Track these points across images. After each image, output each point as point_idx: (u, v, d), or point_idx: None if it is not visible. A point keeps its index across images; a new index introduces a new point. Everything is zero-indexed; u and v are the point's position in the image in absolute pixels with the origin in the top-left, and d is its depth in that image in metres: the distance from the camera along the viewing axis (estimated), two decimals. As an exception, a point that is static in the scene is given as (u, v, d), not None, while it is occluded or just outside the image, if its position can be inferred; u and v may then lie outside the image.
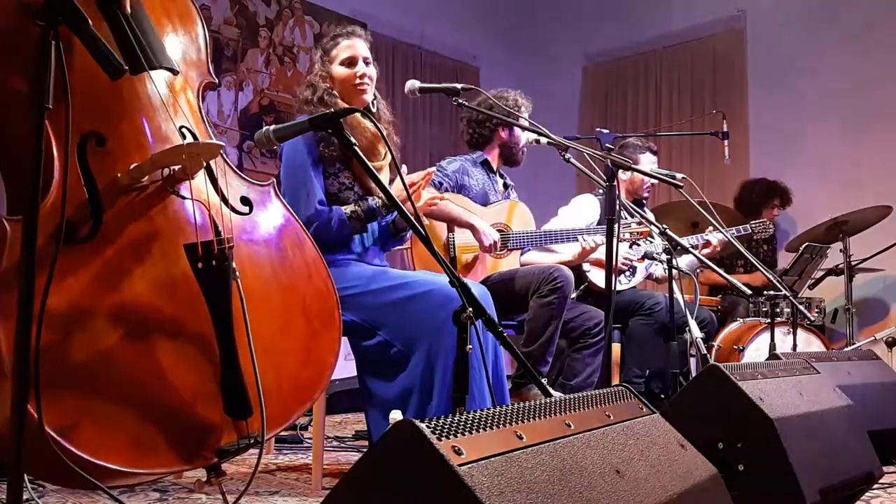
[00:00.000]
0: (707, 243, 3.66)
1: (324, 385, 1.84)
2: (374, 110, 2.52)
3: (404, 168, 2.20)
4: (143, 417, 1.45)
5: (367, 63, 2.51)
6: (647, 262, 3.56)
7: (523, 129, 3.10)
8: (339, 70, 2.50)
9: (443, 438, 0.87)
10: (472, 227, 3.01)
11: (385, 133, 2.15)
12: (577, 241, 3.27)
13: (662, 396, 3.47)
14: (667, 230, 2.67)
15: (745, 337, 3.94)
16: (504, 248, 3.23)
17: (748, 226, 3.89)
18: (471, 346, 1.55)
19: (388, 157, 2.52)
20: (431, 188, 3.11)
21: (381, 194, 2.52)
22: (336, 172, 2.46)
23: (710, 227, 3.72)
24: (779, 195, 4.96)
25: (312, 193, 2.38)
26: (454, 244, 3.12)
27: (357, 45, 2.52)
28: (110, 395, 1.43)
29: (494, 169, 3.37)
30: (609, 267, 2.27)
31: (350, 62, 2.49)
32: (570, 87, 6.75)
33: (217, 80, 1.92)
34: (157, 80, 1.67)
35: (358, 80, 2.48)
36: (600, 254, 3.23)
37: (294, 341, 1.76)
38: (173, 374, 1.51)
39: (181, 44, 1.81)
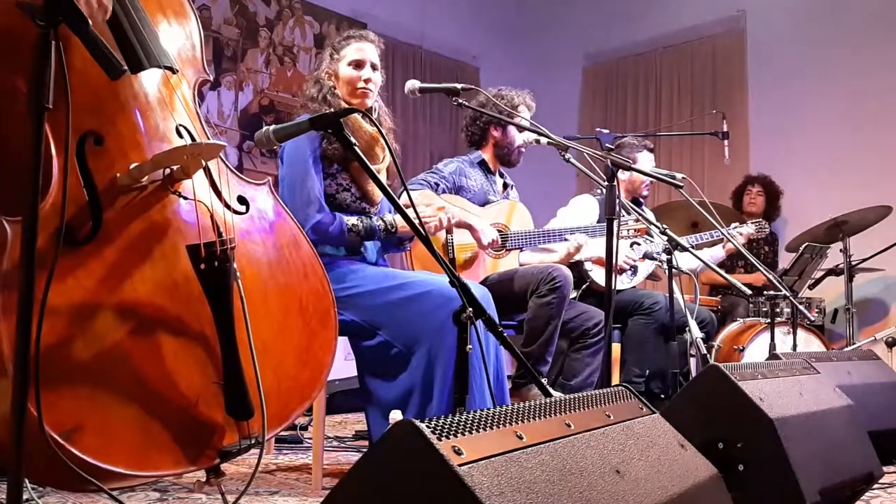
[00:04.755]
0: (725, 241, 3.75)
1: (322, 384, 1.84)
2: (374, 116, 2.53)
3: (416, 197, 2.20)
4: (145, 419, 1.45)
5: (374, 69, 2.52)
6: (648, 261, 3.56)
7: (519, 127, 3.09)
8: (345, 70, 2.51)
9: (443, 438, 0.87)
10: (469, 227, 3.01)
11: (385, 134, 2.17)
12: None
13: (662, 396, 3.47)
14: (667, 230, 2.67)
15: (745, 337, 3.94)
16: (502, 248, 3.23)
17: (748, 225, 3.91)
18: (471, 347, 1.55)
19: (387, 159, 2.53)
20: (428, 188, 3.12)
21: (379, 198, 2.54)
22: (335, 173, 2.47)
23: (734, 224, 3.88)
24: (753, 182, 4.97)
25: (314, 191, 2.38)
26: (453, 244, 3.12)
27: (367, 50, 2.53)
28: (112, 397, 1.42)
29: (492, 169, 3.37)
30: (609, 266, 2.27)
31: (358, 64, 2.50)
32: (570, 87, 6.76)
33: (214, 77, 1.92)
34: (154, 79, 1.66)
35: (362, 84, 2.49)
36: (602, 253, 3.23)
37: (292, 341, 1.76)
38: (175, 375, 1.50)
39: (176, 41, 1.80)
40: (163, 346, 1.50)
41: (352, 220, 2.42)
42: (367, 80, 2.50)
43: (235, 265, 1.57)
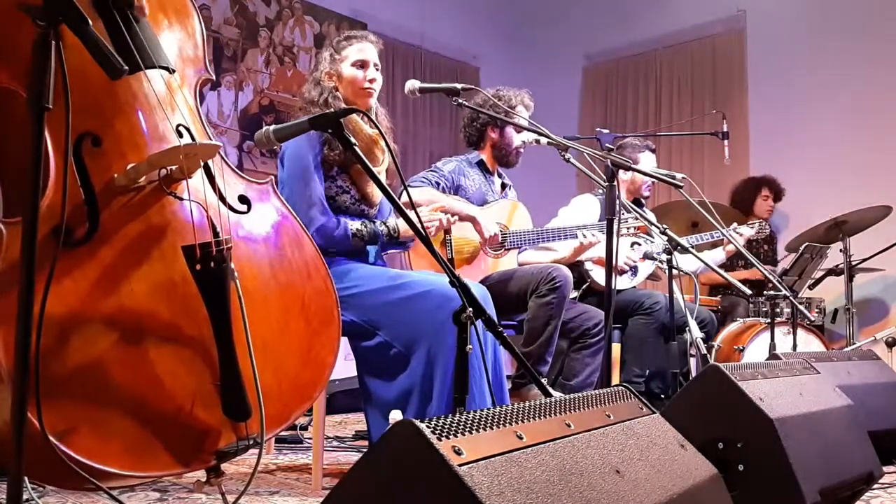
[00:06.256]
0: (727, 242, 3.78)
1: (323, 384, 1.83)
2: (372, 117, 2.53)
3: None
4: (141, 421, 1.45)
5: (376, 69, 2.54)
6: (648, 261, 3.55)
7: (517, 128, 3.08)
8: (349, 70, 2.52)
9: (443, 438, 0.87)
10: (472, 219, 3.01)
11: (384, 135, 2.17)
12: (576, 237, 3.26)
13: (662, 396, 3.47)
14: (667, 230, 2.67)
15: (745, 337, 3.94)
16: (501, 247, 3.23)
17: (748, 226, 3.91)
18: (471, 346, 1.55)
19: (387, 161, 2.53)
20: (429, 185, 3.12)
21: (378, 200, 2.54)
22: (334, 176, 2.47)
23: (734, 224, 3.91)
24: (766, 185, 4.99)
25: (316, 194, 2.39)
26: (451, 243, 3.12)
27: (369, 50, 2.54)
28: (108, 398, 1.42)
29: (490, 169, 3.36)
30: (609, 266, 2.27)
31: (362, 65, 2.52)
32: (570, 87, 6.76)
33: (214, 77, 1.91)
34: (154, 79, 1.65)
35: (367, 84, 2.50)
36: (603, 252, 3.24)
37: (293, 341, 1.75)
38: (171, 377, 1.50)
39: (177, 40, 1.79)
40: (159, 347, 1.50)
41: (356, 225, 2.42)
42: (371, 80, 2.51)
43: (233, 265, 1.56)
